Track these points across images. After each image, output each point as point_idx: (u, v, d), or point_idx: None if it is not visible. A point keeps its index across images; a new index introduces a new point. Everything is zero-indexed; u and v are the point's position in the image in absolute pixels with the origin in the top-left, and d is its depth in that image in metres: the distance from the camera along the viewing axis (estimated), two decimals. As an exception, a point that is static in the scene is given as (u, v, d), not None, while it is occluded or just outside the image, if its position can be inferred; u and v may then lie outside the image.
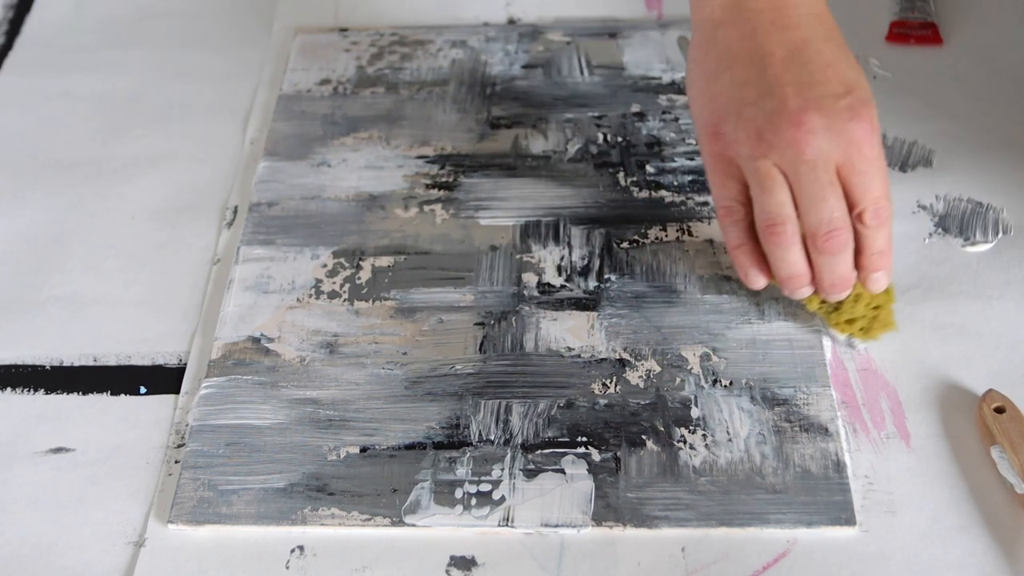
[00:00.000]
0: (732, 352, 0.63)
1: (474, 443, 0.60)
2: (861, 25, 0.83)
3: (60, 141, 0.79)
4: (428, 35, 0.84)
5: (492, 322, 0.65)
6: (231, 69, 0.84)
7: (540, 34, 0.84)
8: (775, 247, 0.59)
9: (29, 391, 0.65)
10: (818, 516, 0.56)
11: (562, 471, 0.58)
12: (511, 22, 0.86)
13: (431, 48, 0.83)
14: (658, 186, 0.72)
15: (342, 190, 0.73)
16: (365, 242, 0.70)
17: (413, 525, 0.57)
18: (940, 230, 0.69)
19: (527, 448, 0.59)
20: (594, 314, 0.65)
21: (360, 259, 0.69)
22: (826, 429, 0.59)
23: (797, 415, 0.60)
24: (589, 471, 0.58)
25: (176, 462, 0.60)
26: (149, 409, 0.63)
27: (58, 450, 0.62)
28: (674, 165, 0.73)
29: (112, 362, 0.66)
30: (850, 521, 0.56)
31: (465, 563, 0.56)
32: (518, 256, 0.69)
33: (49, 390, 0.65)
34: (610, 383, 0.62)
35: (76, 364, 0.66)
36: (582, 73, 0.81)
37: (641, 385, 0.62)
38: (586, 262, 0.68)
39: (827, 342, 0.63)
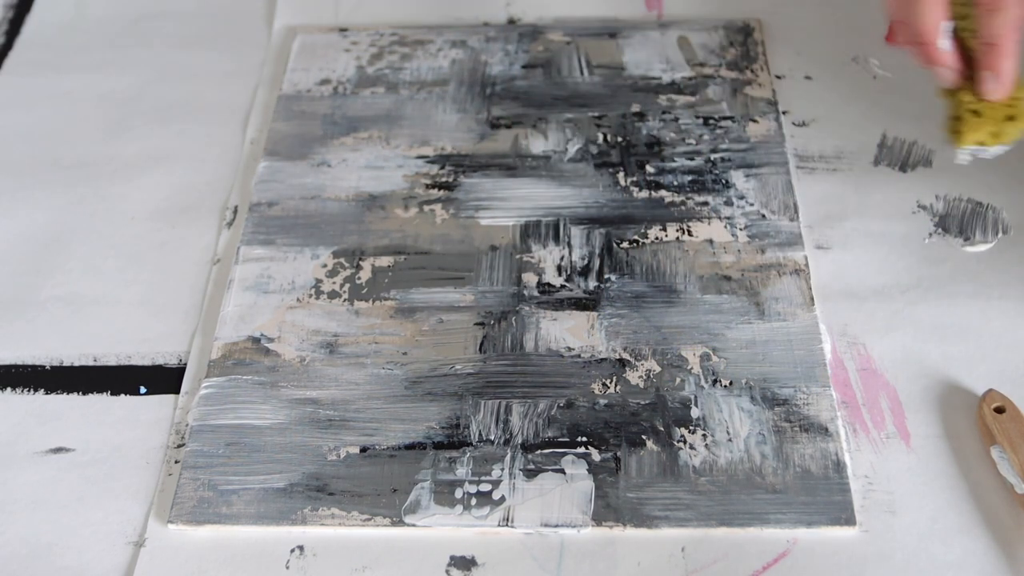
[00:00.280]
0: (732, 352, 0.63)
1: (474, 443, 0.60)
2: (861, 25, 0.83)
3: (60, 141, 0.79)
4: (428, 35, 0.84)
5: (492, 322, 0.65)
6: (231, 69, 0.84)
7: (540, 34, 0.84)
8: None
9: (29, 391, 0.65)
10: (818, 516, 0.56)
11: (562, 471, 0.58)
12: (511, 22, 0.86)
13: (431, 48, 0.83)
14: (658, 186, 0.72)
15: (342, 190, 0.73)
16: (365, 242, 0.70)
17: (413, 525, 0.57)
18: (940, 230, 0.69)
19: (527, 448, 0.59)
20: (594, 314, 0.65)
21: (360, 259, 0.69)
22: (826, 429, 0.59)
23: (797, 415, 0.60)
24: (589, 471, 0.58)
25: (176, 462, 0.60)
26: (149, 409, 0.63)
27: (58, 450, 0.62)
28: (674, 165, 0.73)
29: (112, 362, 0.66)
30: (850, 521, 0.56)
31: (465, 563, 0.56)
32: (518, 256, 0.69)
33: (49, 390, 0.65)
34: (610, 383, 0.62)
35: (76, 364, 0.66)
36: (582, 73, 0.81)
37: (641, 385, 0.62)
38: (586, 262, 0.68)
39: (827, 342, 0.63)
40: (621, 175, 0.73)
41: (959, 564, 0.54)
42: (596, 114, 0.77)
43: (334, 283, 0.68)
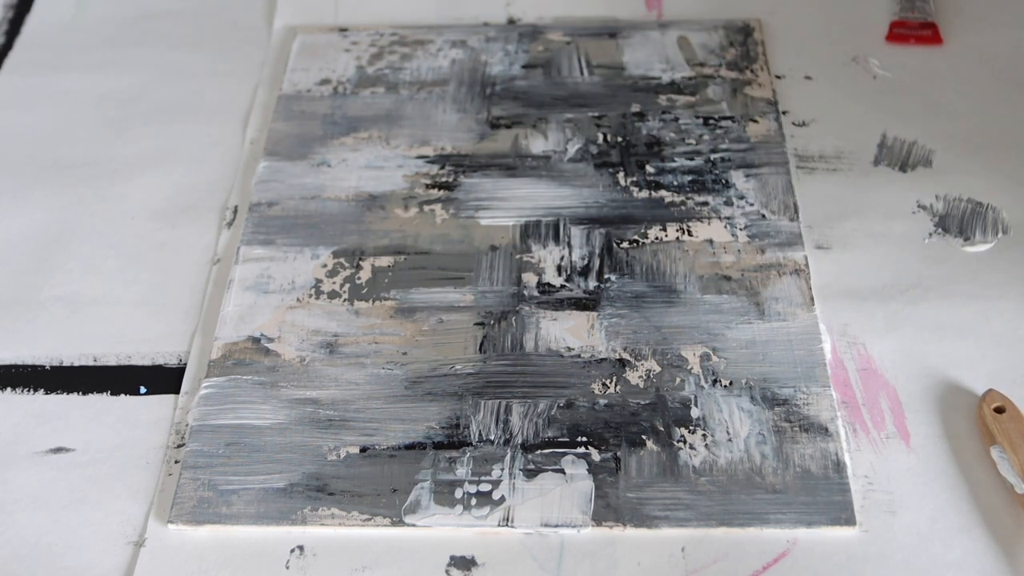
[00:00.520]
0: (732, 352, 0.63)
1: (474, 443, 0.60)
2: (861, 25, 0.83)
3: (60, 141, 0.79)
4: (428, 35, 0.84)
5: (492, 322, 0.65)
6: (231, 69, 0.84)
7: (540, 34, 0.84)
8: None
9: (29, 391, 0.65)
10: (818, 516, 0.56)
11: (562, 471, 0.58)
12: (511, 22, 0.86)
13: (431, 48, 0.83)
14: (658, 186, 0.72)
15: (342, 190, 0.73)
16: (365, 242, 0.70)
17: (413, 525, 0.57)
18: (940, 230, 0.69)
19: (527, 448, 0.59)
20: (594, 314, 0.65)
21: (360, 259, 0.69)
22: (826, 429, 0.59)
23: (797, 415, 0.60)
24: (589, 471, 0.58)
25: (176, 462, 0.60)
26: (149, 409, 0.63)
27: (58, 450, 0.62)
28: (674, 165, 0.73)
29: (112, 362, 0.66)
30: (850, 521, 0.56)
31: (465, 563, 0.56)
32: (518, 256, 0.69)
33: (49, 390, 0.65)
34: (610, 383, 0.62)
35: (76, 364, 0.66)
36: (582, 73, 0.81)
37: (641, 385, 0.62)
38: (586, 262, 0.68)
39: (827, 342, 0.63)
40: (621, 175, 0.73)
41: (959, 564, 0.54)
42: (596, 114, 0.77)
43: (334, 283, 0.68)
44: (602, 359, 0.63)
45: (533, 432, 0.60)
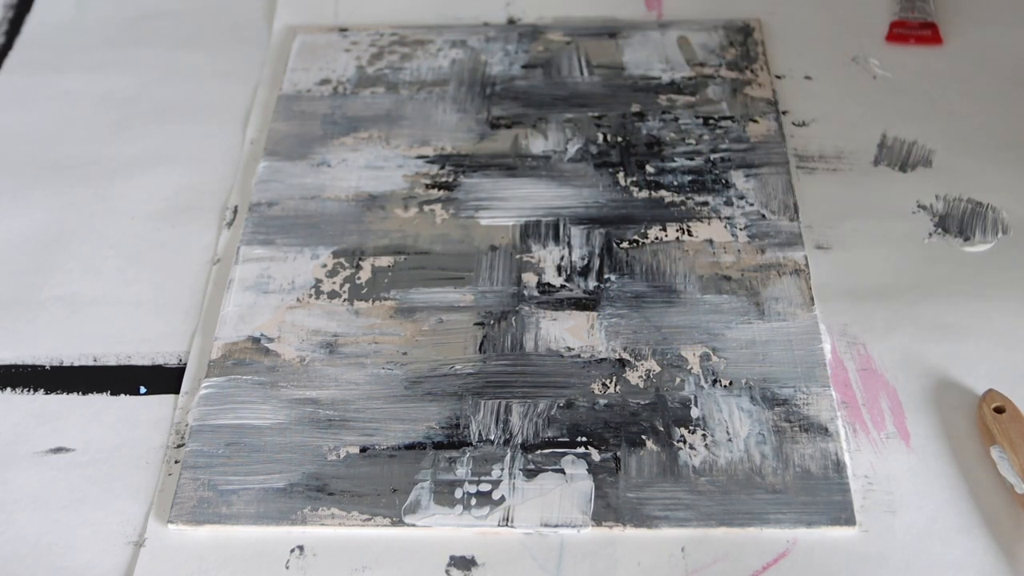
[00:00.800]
0: (732, 352, 0.63)
1: (474, 443, 0.60)
2: (861, 25, 0.83)
3: (60, 141, 0.79)
4: (428, 35, 0.84)
5: (492, 322, 0.65)
6: (231, 69, 0.84)
7: (540, 34, 0.84)
8: None
9: (29, 391, 0.65)
10: (818, 516, 0.56)
11: (562, 471, 0.58)
12: (511, 22, 0.86)
13: (431, 48, 0.83)
14: (658, 186, 0.72)
15: (342, 190, 0.73)
16: (365, 242, 0.70)
17: (413, 525, 0.57)
18: (940, 230, 0.69)
19: (527, 448, 0.59)
20: (594, 314, 0.65)
21: (360, 259, 0.69)
22: (826, 429, 0.59)
23: (797, 415, 0.60)
24: (589, 471, 0.58)
25: (176, 462, 0.60)
26: (149, 409, 0.63)
27: (58, 450, 0.62)
28: (674, 165, 0.73)
29: (112, 362, 0.66)
30: (850, 521, 0.56)
31: (465, 563, 0.56)
32: (518, 256, 0.69)
33: (49, 390, 0.65)
34: (610, 383, 0.62)
35: (76, 364, 0.66)
36: (582, 73, 0.81)
37: (641, 385, 0.62)
38: (586, 262, 0.68)
39: (827, 342, 0.63)
40: (621, 175, 0.73)
41: (959, 564, 0.54)
42: (596, 114, 0.77)
43: (334, 283, 0.68)
44: (602, 359, 0.63)
45: (533, 432, 0.60)
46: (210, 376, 0.64)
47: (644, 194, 0.72)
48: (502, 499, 0.57)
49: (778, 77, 0.79)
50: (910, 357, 0.63)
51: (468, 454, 0.59)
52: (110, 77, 0.84)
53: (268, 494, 0.58)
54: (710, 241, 0.69)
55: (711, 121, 0.76)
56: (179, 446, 0.61)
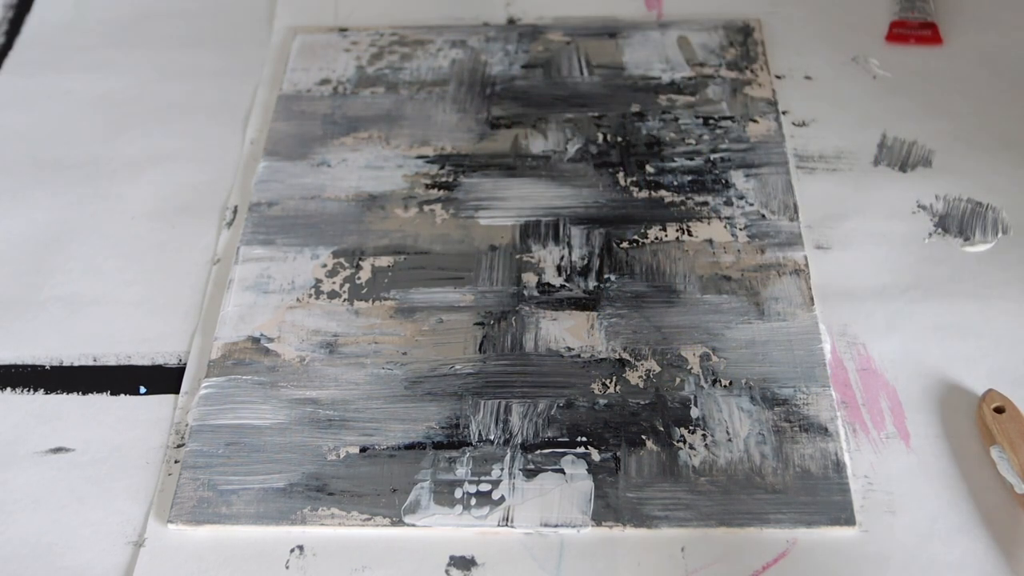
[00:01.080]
0: (732, 352, 0.63)
1: (474, 443, 0.60)
2: (861, 25, 0.83)
3: (60, 141, 0.79)
4: (428, 35, 0.84)
5: (492, 322, 0.65)
6: (231, 69, 0.84)
7: (540, 34, 0.84)
8: None
9: (29, 391, 0.65)
10: (818, 516, 0.56)
11: (562, 471, 0.58)
12: (511, 22, 0.86)
13: (431, 48, 0.83)
14: (658, 186, 0.72)
15: (342, 190, 0.73)
16: (365, 242, 0.70)
17: (413, 525, 0.57)
18: (940, 230, 0.69)
19: (527, 448, 0.59)
20: (594, 314, 0.65)
21: (360, 259, 0.69)
22: (826, 429, 0.59)
23: (797, 415, 0.60)
24: (589, 471, 0.58)
25: (176, 462, 0.60)
26: (149, 409, 0.63)
27: (58, 450, 0.62)
28: (674, 165, 0.73)
29: (112, 362, 0.66)
30: (850, 521, 0.56)
31: (465, 563, 0.56)
32: (518, 256, 0.69)
33: (49, 390, 0.65)
34: (610, 383, 0.62)
35: (76, 364, 0.66)
36: (582, 73, 0.81)
37: (641, 385, 0.62)
38: (586, 262, 0.68)
39: (827, 342, 0.63)
40: (621, 175, 0.73)
41: (959, 564, 0.54)
42: (596, 114, 0.77)
43: (334, 283, 0.68)
44: (602, 359, 0.63)
45: (533, 432, 0.60)
46: (210, 376, 0.64)
47: (644, 194, 0.72)
48: (502, 499, 0.57)
49: (778, 77, 0.79)
50: (910, 357, 0.63)
51: (468, 454, 0.59)
52: (110, 77, 0.84)
53: (268, 494, 0.58)
54: (710, 241, 0.69)
55: (711, 121, 0.76)
56: (179, 446, 0.61)
